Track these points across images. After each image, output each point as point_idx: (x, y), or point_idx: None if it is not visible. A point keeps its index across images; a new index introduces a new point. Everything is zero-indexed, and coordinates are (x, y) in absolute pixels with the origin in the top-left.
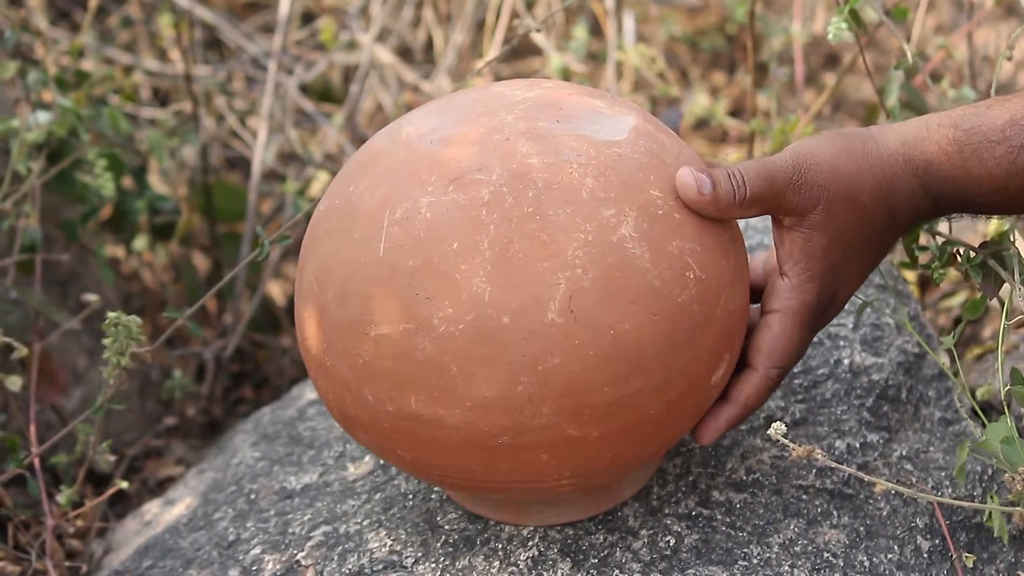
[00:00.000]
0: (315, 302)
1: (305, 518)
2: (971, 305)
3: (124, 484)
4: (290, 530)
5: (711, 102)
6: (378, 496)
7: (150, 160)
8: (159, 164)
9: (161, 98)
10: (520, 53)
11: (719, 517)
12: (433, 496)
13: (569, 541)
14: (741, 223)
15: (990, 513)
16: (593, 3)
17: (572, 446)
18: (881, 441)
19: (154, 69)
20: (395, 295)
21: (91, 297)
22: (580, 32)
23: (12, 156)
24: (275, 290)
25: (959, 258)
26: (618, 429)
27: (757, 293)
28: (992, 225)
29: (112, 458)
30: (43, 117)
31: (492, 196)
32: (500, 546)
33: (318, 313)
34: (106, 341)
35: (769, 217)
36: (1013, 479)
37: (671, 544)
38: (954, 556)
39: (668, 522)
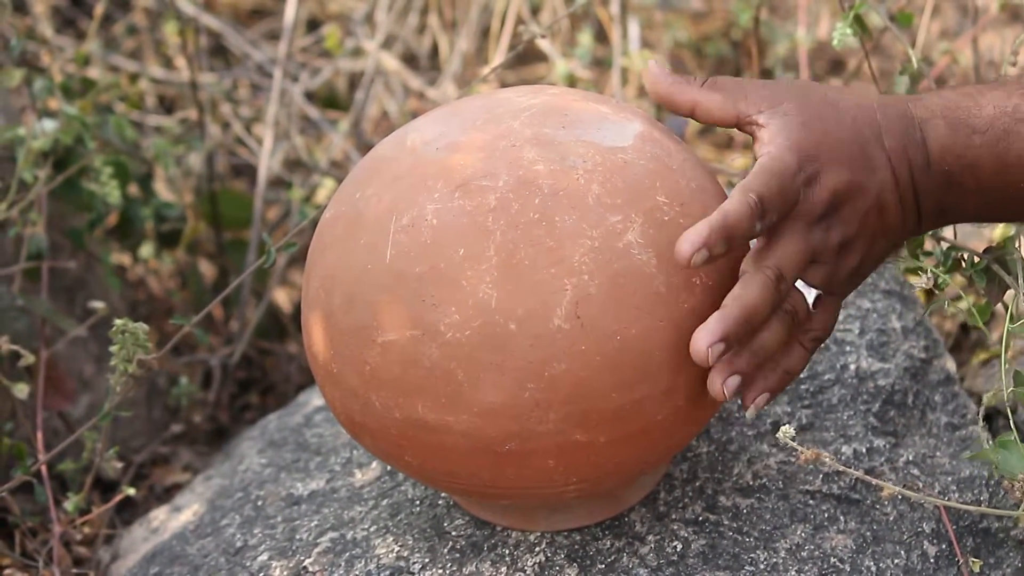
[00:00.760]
0: (322, 309)
1: (312, 524)
2: (976, 310)
3: (131, 491)
4: (297, 536)
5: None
6: (385, 502)
7: (156, 168)
8: (165, 171)
9: (167, 106)
10: (525, 59)
11: (726, 522)
12: (440, 502)
13: (576, 547)
14: None
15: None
16: (598, 9)
17: (579, 452)
18: (887, 446)
19: (160, 76)
20: (402, 302)
21: (98, 304)
22: (585, 38)
23: (18, 164)
24: (281, 297)
25: (964, 263)
26: (625, 435)
27: None
28: (997, 230)
29: (119, 465)
30: (49, 125)
31: (498, 202)
32: (507, 552)
33: (325, 320)
34: (113, 348)
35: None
36: (1012, 487)
37: (678, 549)
38: (961, 561)
39: (675, 527)
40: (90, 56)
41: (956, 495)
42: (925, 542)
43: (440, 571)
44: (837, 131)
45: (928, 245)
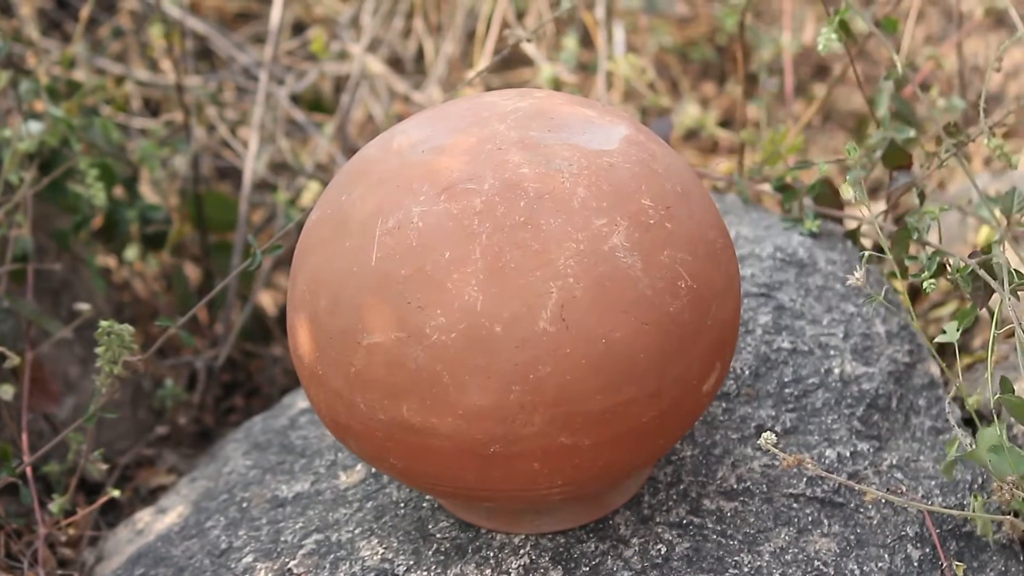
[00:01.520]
0: (307, 311)
1: (297, 526)
2: (961, 315)
3: (116, 493)
4: (282, 538)
5: (701, 112)
6: (370, 504)
7: (141, 170)
8: (150, 174)
9: (152, 108)
10: (511, 63)
11: (710, 525)
12: (425, 504)
13: (560, 549)
14: (732, 232)
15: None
16: (583, 14)
17: (564, 454)
18: (871, 450)
19: (145, 79)
20: (387, 304)
21: (83, 306)
22: (570, 42)
23: (4, 166)
24: (266, 300)
25: (949, 268)
26: (610, 437)
27: None
28: (982, 234)
29: (104, 467)
30: (35, 127)
31: (484, 205)
32: (492, 554)
33: (310, 322)
34: (99, 350)
35: (762, 226)
36: (1001, 488)
37: (662, 552)
38: (944, 565)
39: (659, 530)
40: (76, 58)
41: (940, 499)
42: (909, 546)
43: (425, 573)
44: None
45: (913, 250)
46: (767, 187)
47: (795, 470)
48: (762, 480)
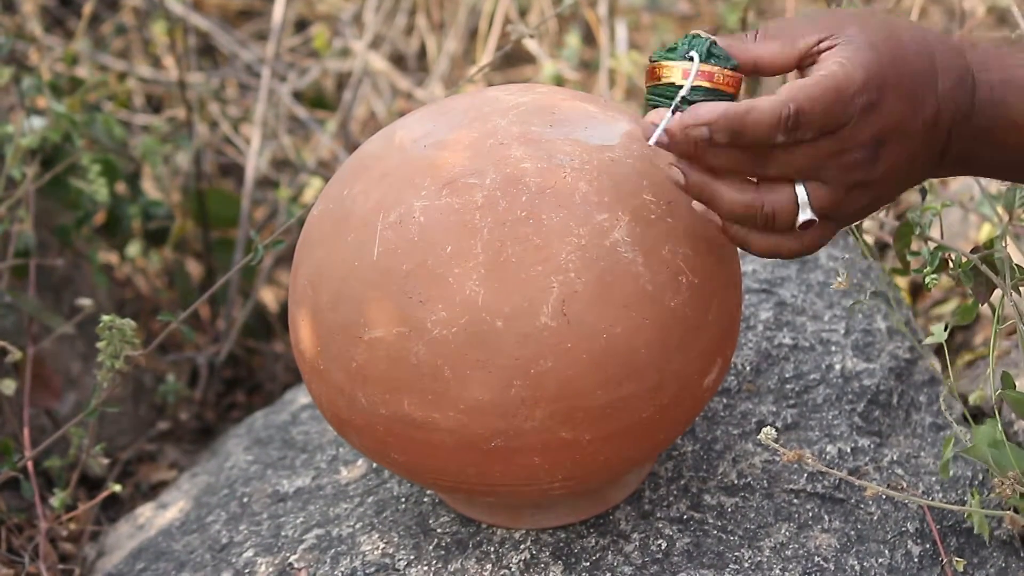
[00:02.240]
0: (309, 306)
1: (298, 521)
2: (962, 311)
3: (117, 488)
4: (283, 533)
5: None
6: (371, 499)
7: (144, 166)
8: (153, 170)
9: (155, 105)
10: (513, 61)
11: (710, 521)
12: (426, 499)
13: (561, 544)
14: None
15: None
16: (586, 11)
17: (565, 449)
18: (872, 446)
19: (148, 76)
20: (389, 299)
21: (85, 302)
22: (573, 40)
23: (6, 161)
24: (268, 296)
25: (951, 264)
26: (611, 432)
27: None
28: (983, 231)
29: (105, 462)
30: (37, 123)
31: (485, 200)
32: (492, 549)
33: (312, 317)
34: (100, 345)
35: None
36: (1002, 483)
37: (663, 547)
38: (944, 560)
39: (660, 525)
40: (79, 55)
41: (940, 495)
42: (909, 541)
43: (425, 568)
44: (902, 61)
45: (915, 246)
46: None
47: (796, 466)
48: (763, 476)
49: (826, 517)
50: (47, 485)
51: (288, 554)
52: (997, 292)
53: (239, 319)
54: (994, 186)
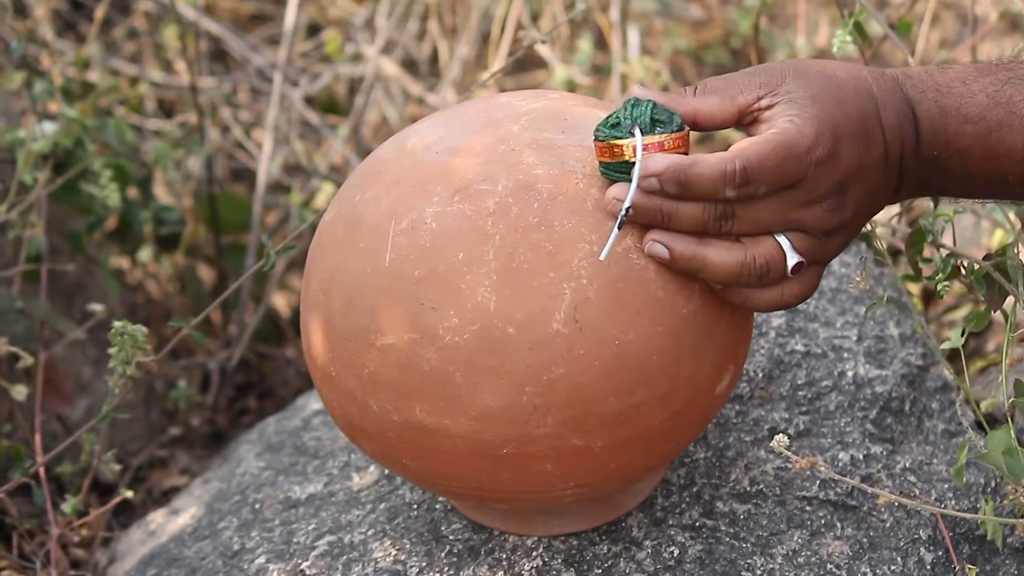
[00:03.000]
0: (321, 312)
1: (310, 528)
2: (975, 317)
3: (129, 494)
4: (295, 540)
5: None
6: (383, 506)
7: (156, 171)
8: (164, 175)
9: (166, 109)
10: (525, 66)
11: (723, 528)
12: (438, 506)
13: (573, 551)
14: None
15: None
16: (598, 16)
17: (577, 456)
18: (884, 453)
19: (160, 80)
20: (401, 305)
21: (96, 307)
22: (585, 45)
23: (18, 166)
24: (280, 301)
25: (963, 270)
26: (623, 439)
27: None
28: (996, 237)
29: (117, 468)
30: (49, 128)
31: (498, 206)
32: (504, 556)
33: (324, 323)
34: (112, 350)
35: None
36: (1016, 491)
37: (675, 555)
38: (957, 568)
39: (672, 533)
40: (90, 59)
41: (953, 502)
42: (922, 549)
43: (437, 575)
44: (845, 105)
45: (927, 252)
46: None
47: (808, 473)
48: (775, 483)
49: (838, 524)
50: (59, 491)
51: (300, 561)
52: (1010, 299)
53: (251, 324)
54: None
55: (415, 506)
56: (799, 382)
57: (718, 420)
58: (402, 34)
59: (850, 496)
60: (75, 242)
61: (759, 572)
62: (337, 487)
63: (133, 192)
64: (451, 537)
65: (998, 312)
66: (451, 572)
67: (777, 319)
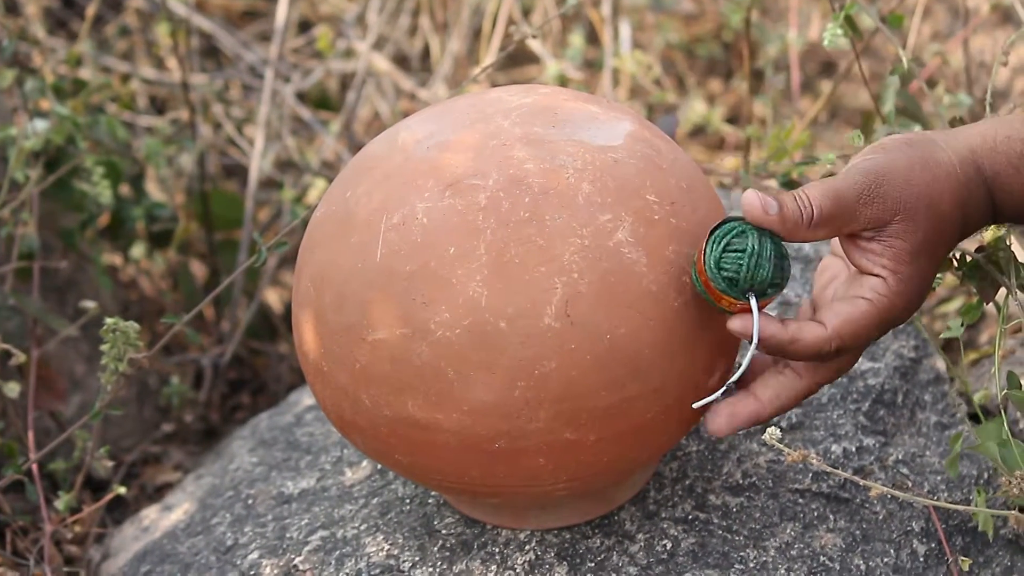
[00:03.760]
0: (312, 307)
1: (303, 523)
2: (968, 309)
3: (122, 490)
4: (288, 535)
5: (708, 109)
6: (375, 501)
7: (147, 168)
8: (156, 172)
9: (158, 106)
10: (516, 61)
11: (715, 521)
12: (430, 501)
13: (566, 545)
14: None
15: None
16: (589, 11)
17: (569, 450)
18: (877, 445)
19: (151, 77)
20: (392, 300)
21: (89, 304)
22: (576, 39)
23: (10, 164)
24: (272, 298)
25: (955, 262)
26: (615, 433)
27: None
28: (989, 230)
29: (110, 464)
30: (41, 125)
31: (489, 201)
32: (497, 550)
33: (315, 318)
34: (104, 347)
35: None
36: (1010, 482)
37: (668, 548)
38: (950, 560)
39: (665, 526)
40: (82, 57)
41: (945, 494)
42: (914, 541)
43: (430, 569)
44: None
45: None
46: (773, 183)
47: (801, 465)
48: (768, 475)
49: (831, 517)
50: (52, 487)
51: (293, 556)
52: (1002, 291)
53: (243, 321)
54: None
55: (408, 501)
56: None
57: None
58: (393, 30)
59: (843, 488)
60: (67, 239)
61: (752, 565)
62: (330, 482)
63: (125, 189)
64: (444, 531)
65: (991, 304)
66: (444, 566)
67: (770, 311)
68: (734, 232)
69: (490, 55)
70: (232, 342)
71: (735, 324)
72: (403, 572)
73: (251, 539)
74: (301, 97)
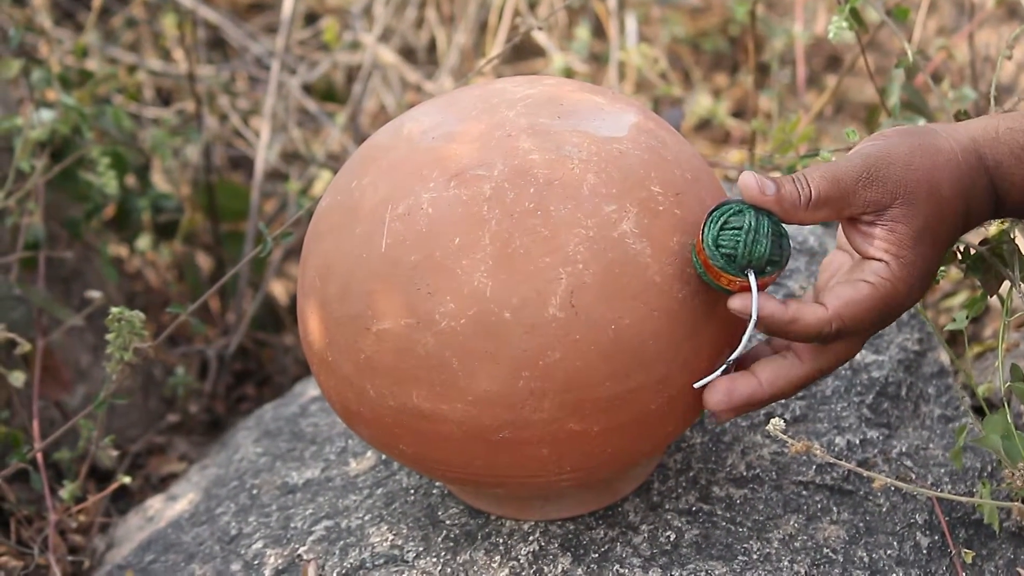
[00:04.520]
0: (317, 297)
1: (307, 513)
2: (972, 303)
3: (127, 480)
4: (292, 525)
5: (713, 103)
6: (380, 491)
7: (153, 159)
8: (162, 163)
9: (164, 97)
10: (522, 53)
11: (719, 512)
12: (434, 491)
13: (570, 536)
14: None
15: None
16: (595, 3)
17: (573, 441)
18: (881, 438)
19: (157, 68)
20: (397, 290)
21: (94, 294)
22: (582, 32)
23: (16, 154)
24: (278, 289)
25: (960, 256)
26: (619, 424)
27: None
28: (993, 224)
29: (115, 454)
30: (47, 115)
31: (493, 192)
32: (501, 540)
33: (320, 308)
34: (110, 337)
35: None
36: (1013, 475)
37: (671, 539)
38: (953, 552)
39: (668, 517)
40: (88, 48)
41: (949, 487)
42: (918, 533)
43: (434, 559)
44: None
45: None
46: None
47: (804, 457)
48: (771, 467)
49: (835, 509)
50: (57, 477)
51: (297, 545)
52: (1006, 284)
53: (249, 312)
54: None
55: (412, 491)
56: None
57: None
58: (400, 22)
59: (846, 481)
60: (73, 229)
61: (755, 556)
62: (334, 472)
63: (131, 180)
64: (448, 522)
65: (994, 298)
66: (448, 557)
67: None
68: (731, 211)
69: (496, 48)
70: (237, 333)
71: (735, 303)
72: (407, 562)
73: (255, 529)
74: (307, 89)
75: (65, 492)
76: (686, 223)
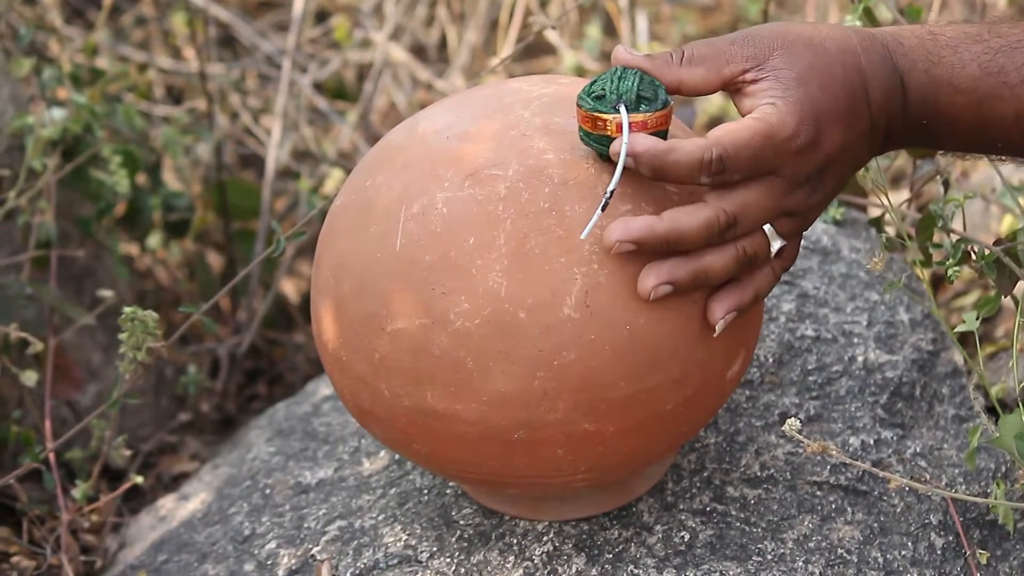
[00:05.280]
0: (332, 297)
1: (320, 513)
2: (985, 303)
3: (139, 479)
4: (305, 525)
5: (725, 100)
6: (393, 491)
7: (165, 157)
8: (174, 161)
9: (175, 96)
10: (534, 52)
11: (733, 513)
12: (448, 491)
13: (584, 536)
14: None
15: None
16: (607, 2)
17: (588, 441)
18: (895, 438)
19: (168, 67)
20: (411, 290)
21: (106, 293)
22: (594, 31)
23: (27, 153)
24: (289, 288)
25: (973, 255)
26: (634, 424)
27: None
28: (1005, 223)
29: (127, 453)
30: (58, 114)
31: (508, 191)
32: (515, 541)
33: (335, 308)
34: (122, 336)
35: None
36: None
37: (685, 540)
38: (968, 553)
39: (683, 518)
40: (99, 46)
41: (963, 487)
42: (932, 534)
43: (448, 560)
44: (832, 86)
45: (937, 238)
46: None
47: (819, 458)
48: (786, 468)
49: (849, 509)
50: (69, 477)
51: (311, 546)
52: (1020, 284)
53: (260, 310)
54: (1016, 177)
55: (425, 491)
56: (809, 367)
57: (728, 405)
58: (411, 20)
59: (861, 481)
60: (84, 228)
61: (770, 557)
62: (347, 472)
63: (142, 178)
64: (462, 522)
65: (1008, 298)
66: (462, 557)
67: (787, 304)
68: (602, 74)
69: (508, 46)
70: (249, 332)
71: (615, 146)
72: (421, 563)
73: (268, 529)
74: (318, 87)
75: (77, 492)
76: None
